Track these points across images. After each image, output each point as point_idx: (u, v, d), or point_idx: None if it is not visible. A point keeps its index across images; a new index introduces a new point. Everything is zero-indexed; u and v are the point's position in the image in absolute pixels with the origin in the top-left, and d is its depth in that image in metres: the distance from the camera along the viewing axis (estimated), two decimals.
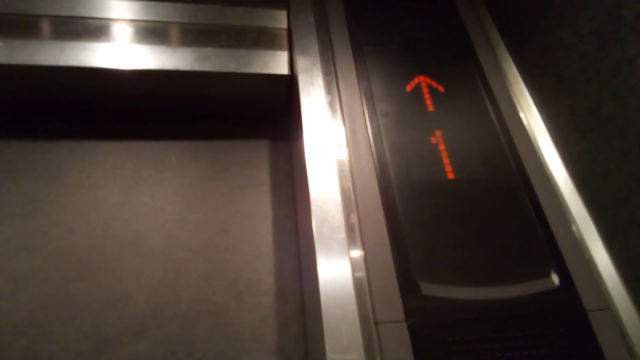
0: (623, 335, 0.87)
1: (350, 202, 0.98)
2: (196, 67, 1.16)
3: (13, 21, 1.16)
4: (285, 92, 1.25)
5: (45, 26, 1.18)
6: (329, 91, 1.15)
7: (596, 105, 1.00)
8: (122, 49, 1.16)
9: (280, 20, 1.27)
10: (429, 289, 0.89)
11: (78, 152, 1.26)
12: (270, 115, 1.38)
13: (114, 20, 1.21)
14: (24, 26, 1.16)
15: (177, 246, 1.16)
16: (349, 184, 1.00)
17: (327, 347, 0.77)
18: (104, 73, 1.14)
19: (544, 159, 1.09)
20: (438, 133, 1.09)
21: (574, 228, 0.99)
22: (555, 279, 0.92)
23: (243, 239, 1.19)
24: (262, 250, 1.19)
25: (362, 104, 1.12)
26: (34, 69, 1.11)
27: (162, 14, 1.23)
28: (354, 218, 0.96)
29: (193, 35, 1.21)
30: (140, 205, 1.21)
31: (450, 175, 1.03)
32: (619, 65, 0.95)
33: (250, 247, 1.18)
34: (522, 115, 1.15)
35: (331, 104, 1.13)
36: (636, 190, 0.91)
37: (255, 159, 1.33)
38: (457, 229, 0.97)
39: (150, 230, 1.17)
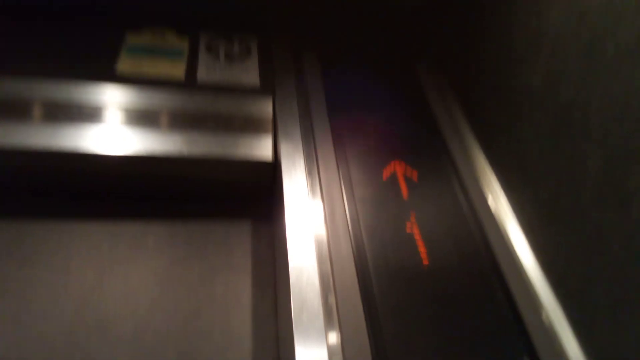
0: None
1: (329, 285, 1.00)
2: (184, 151, 1.21)
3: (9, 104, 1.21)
4: (268, 175, 1.31)
5: (39, 109, 1.22)
6: (310, 175, 1.21)
7: (555, 198, 1.08)
8: (113, 133, 1.21)
9: (265, 107, 1.36)
10: None
11: (54, 233, 1.26)
12: (252, 197, 1.42)
13: (108, 105, 1.27)
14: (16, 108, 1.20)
15: (148, 332, 1.13)
16: (328, 267, 1.03)
17: None
18: (95, 158, 1.17)
19: (512, 246, 1.15)
20: (413, 220, 1.15)
21: (543, 315, 1.03)
22: None
23: (214, 325, 1.17)
24: (234, 337, 1.16)
25: (341, 189, 1.18)
26: (24, 152, 1.15)
27: (157, 99, 1.31)
28: (331, 301, 0.98)
29: (182, 120, 1.29)
30: (112, 289, 1.19)
31: (425, 262, 1.08)
32: (571, 161, 1.04)
33: (222, 334, 1.16)
34: (491, 203, 1.23)
35: (312, 188, 1.19)
36: (596, 279, 0.96)
37: (232, 241, 1.33)
38: (432, 314, 1.00)
39: (121, 316, 1.15)
